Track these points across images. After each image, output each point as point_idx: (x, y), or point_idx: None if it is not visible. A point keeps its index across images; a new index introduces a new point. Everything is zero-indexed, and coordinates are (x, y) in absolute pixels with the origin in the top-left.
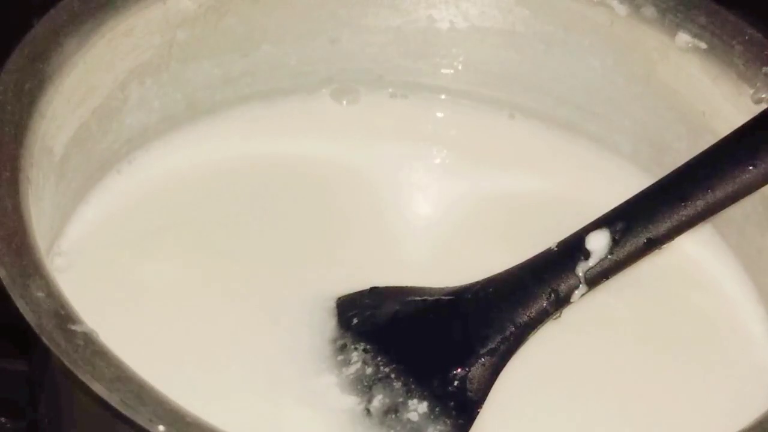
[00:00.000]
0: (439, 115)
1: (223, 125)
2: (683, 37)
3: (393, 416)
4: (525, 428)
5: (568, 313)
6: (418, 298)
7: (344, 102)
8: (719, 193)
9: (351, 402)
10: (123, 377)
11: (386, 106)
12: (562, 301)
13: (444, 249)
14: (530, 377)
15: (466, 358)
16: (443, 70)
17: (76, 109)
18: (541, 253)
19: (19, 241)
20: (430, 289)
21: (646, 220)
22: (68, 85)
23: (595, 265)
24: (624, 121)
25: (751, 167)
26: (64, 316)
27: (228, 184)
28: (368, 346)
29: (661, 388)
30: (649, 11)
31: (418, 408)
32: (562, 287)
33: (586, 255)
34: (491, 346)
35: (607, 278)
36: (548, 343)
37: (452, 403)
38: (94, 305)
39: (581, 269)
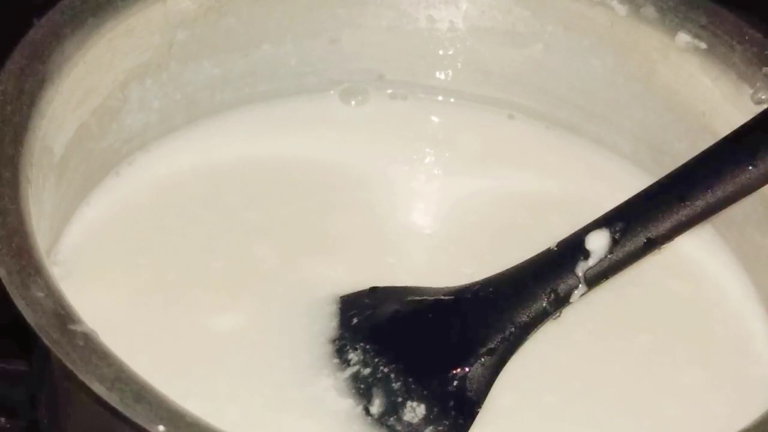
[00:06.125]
0: (439, 115)
1: (223, 126)
2: (683, 37)
3: (392, 417)
4: (524, 428)
5: (568, 313)
6: (418, 298)
7: (352, 103)
8: (719, 193)
9: (350, 403)
10: (123, 377)
11: (386, 106)
12: (561, 301)
13: (444, 249)
14: (530, 377)
15: (465, 358)
16: (443, 70)
17: (76, 109)
18: (541, 253)
19: (19, 241)
20: (430, 289)
21: (645, 220)
22: (68, 85)
23: (594, 265)
24: (624, 121)
25: (750, 167)
26: (64, 316)
27: (228, 186)
28: (368, 347)
29: (661, 388)
30: (649, 11)
31: (417, 408)
32: (562, 287)
33: (586, 255)
34: (491, 346)
35: (607, 278)
36: (548, 343)
37: (452, 403)
38: (94, 307)
39: (581, 269)
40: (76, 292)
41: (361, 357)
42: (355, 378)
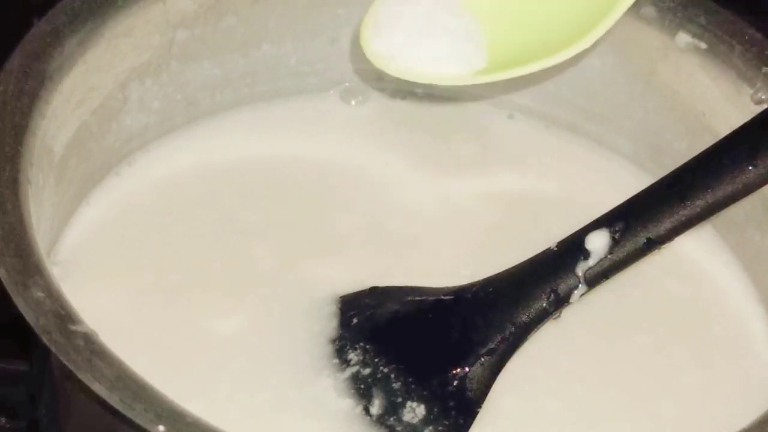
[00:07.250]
0: (439, 115)
1: (223, 126)
2: (683, 37)
3: (392, 417)
4: (524, 428)
5: (568, 313)
6: (418, 298)
7: (352, 103)
8: (719, 193)
9: (350, 403)
10: (123, 377)
11: (386, 106)
12: (561, 301)
13: (444, 249)
14: (529, 377)
15: (465, 357)
16: None
17: (76, 109)
18: (541, 253)
19: (19, 241)
20: (430, 289)
21: (645, 220)
22: (68, 85)
23: (594, 265)
24: (624, 121)
25: (751, 167)
26: (64, 316)
27: (228, 186)
28: (368, 347)
29: (661, 389)
30: (649, 11)
31: (417, 408)
32: (562, 287)
33: (586, 255)
34: (491, 345)
35: (607, 278)
36: (548, 344)
37: (452, 403)
38: (94, 307)
39: (581, 269)
40: (76, 292)
41: (361, 357)
42: (355, 378)
